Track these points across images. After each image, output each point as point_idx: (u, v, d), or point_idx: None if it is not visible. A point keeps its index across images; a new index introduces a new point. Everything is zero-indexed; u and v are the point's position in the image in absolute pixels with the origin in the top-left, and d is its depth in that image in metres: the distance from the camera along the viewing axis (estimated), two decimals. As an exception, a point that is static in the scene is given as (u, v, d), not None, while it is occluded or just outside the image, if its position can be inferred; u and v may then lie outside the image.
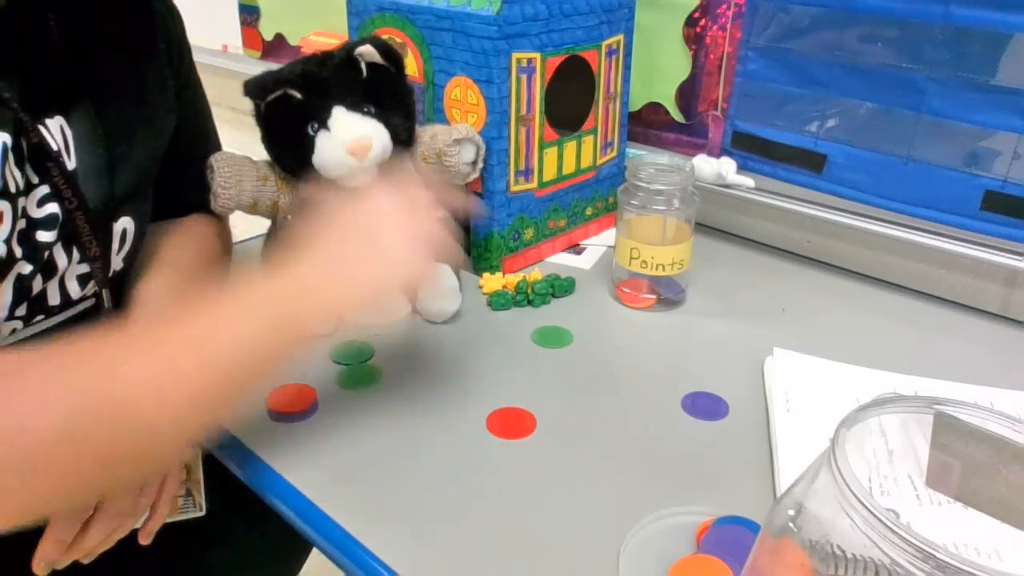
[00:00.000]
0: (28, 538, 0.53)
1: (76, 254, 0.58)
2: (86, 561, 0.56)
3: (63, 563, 0.55)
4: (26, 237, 0.54)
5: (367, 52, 0.71)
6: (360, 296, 0.53)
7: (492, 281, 0.80)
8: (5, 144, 0.51)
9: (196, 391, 0.46)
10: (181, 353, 0.47)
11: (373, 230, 0.54)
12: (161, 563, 0.70)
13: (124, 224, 0.62)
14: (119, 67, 0.63)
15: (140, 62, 0.65)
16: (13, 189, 0.52)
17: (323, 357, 0.70)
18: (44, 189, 0.55)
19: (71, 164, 0.57)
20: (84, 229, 0.57)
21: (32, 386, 0.43)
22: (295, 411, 0.62)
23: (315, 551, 0.83)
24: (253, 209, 0.75)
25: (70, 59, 0.58)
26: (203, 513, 0.63)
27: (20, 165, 0.53)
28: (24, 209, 0.53)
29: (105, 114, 0.60)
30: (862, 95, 0.80)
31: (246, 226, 0.82)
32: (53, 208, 0.55)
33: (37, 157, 0.54)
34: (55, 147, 0.56)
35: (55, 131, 0.56)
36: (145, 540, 0.59)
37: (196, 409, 0.47)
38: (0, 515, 0.42)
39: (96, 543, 0.55)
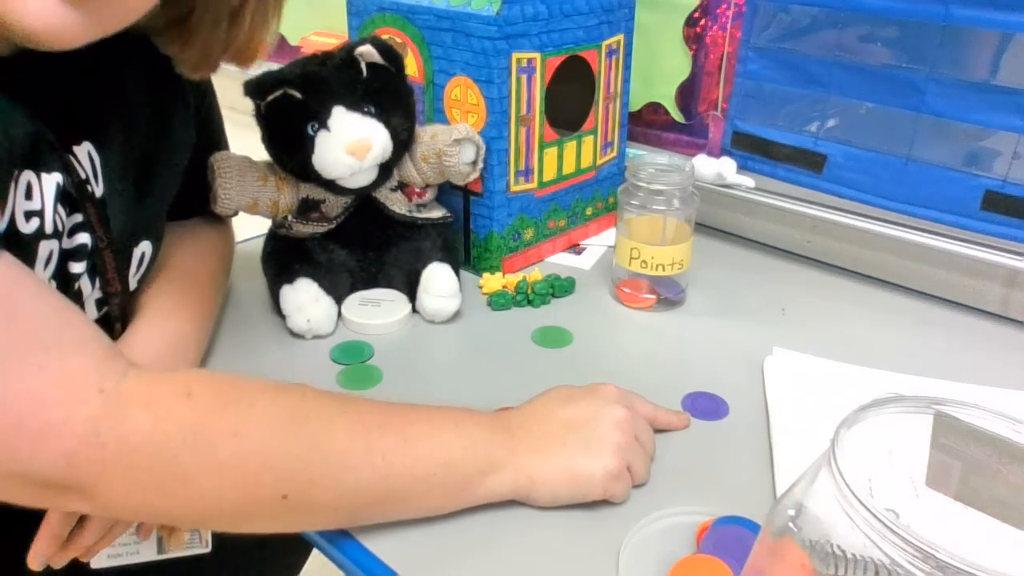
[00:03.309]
0: (25, 535, 0.52)
1: (99, 281, 0.58)
2: (85, 559, 0.56)
3: (60, 561, 0.55)
4: (60, 270, 0.54)
5: (367, 52, 0.71)
6: (554, 474, 0.52)
7: (492, 281, 0.80)
8: (58, 184, 0.51)
9: (390, 476, 0.48)
10: (394, 437, 0.49)
11: (596, 425, 0.53)
12: (161, 564, 0.70)
13: (143, 248, 0.62)
14: (144, 89, 0.62)
15: (163, 81, 0.64)
16: (60, 228, 0.52)
17: (323, 357, 0.70)
18: (76, 218, 0.55)
19: (99, 191, 0.57)
20: (108, 255, 0.57)
21: (259, 405, 0.47)
22: (295, 411, 0.61)
23: (315, 551, 0.82)
24: (253, 209, 0.75)
25: (98, 83, 0.57)
26: (208, 550, 0.63)
27: (64, 202, 0.53)
28: None
29: (133, 140, 0.60)
30: (862, 95, 0.80)
31: (246, 226, 0.82)
32: (84, 238, 0.55)
33: (73, 187, 0.54)
34: (83, 175, 0.55)
35: (83, 157, 0.56)
36: (144, 537, 0.59)
37: (377, 500, 0.48)
38: (188, 517, 0.46)
39: (92, 540, 0.55)
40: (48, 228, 0.51)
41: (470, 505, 0.51)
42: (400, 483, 0.48)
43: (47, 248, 0.51)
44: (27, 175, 0.49)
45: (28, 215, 0.49)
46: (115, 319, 0.60)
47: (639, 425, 0.56)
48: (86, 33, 0.46)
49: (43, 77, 0.48)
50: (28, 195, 0.49)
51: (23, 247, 0.49)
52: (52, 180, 0.51)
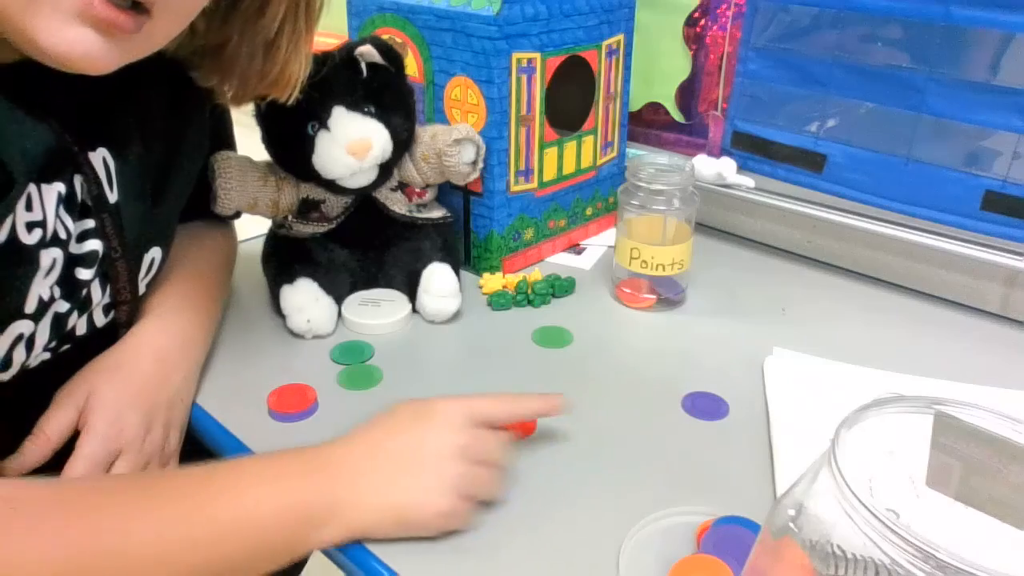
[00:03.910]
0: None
1: (109, 288, 0.58)
2: None
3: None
4: (66, 276, 0.53)
5: (367, 52, 0.71)
6: (382, 522, 0.49)
7: (492, 281, 0.80)
8: (60, 193, 0.51)
9: (199, 565, 0.45)
10: (197, 521, 0.45)
11: (426, 461, 0.50)
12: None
13: (154, 254, 0.62)
14: (163, 96, 0.62)
15: (182, 88, 0.63)
16: (64, 236, 0.52)
17: (323, 357, 0.70)
18: (86, 224, 0.54)
19: (113, 197, 0.56)
20: (121, 264, 0.57)
21: (38, 526, 0.41)
22: (295, 411, 0.62)
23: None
24: (253, 209, 0.75)
25: (116, 89, 0.57)
26: None
27: (71, 209, 0.52)
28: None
29: (151, 147, 0.60)
30: (862, 95, 0.80)
31: (246, 226, 0.82)
32: (95, 245, 0.55)
33: (87, 195, 0.54)
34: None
35: (98, 163, 0.55)
36: None
37: None
38: None
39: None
40: (49, 236, 0.51)
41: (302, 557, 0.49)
42: (220, 567, 0.46)
43: (49, 256, 0.51)
44: (29, 187, 0.49)
45: (30, 226, 0.49)
46: (122, 325, 0.60)
47: (476, 446, 0.51)
48: (117, 61, 0.47)
49: (57, 83, 0.48)
50: (28, 207, 0.49)
51: (26, 257, 0.49)
52: (53, 190, 0.51)
